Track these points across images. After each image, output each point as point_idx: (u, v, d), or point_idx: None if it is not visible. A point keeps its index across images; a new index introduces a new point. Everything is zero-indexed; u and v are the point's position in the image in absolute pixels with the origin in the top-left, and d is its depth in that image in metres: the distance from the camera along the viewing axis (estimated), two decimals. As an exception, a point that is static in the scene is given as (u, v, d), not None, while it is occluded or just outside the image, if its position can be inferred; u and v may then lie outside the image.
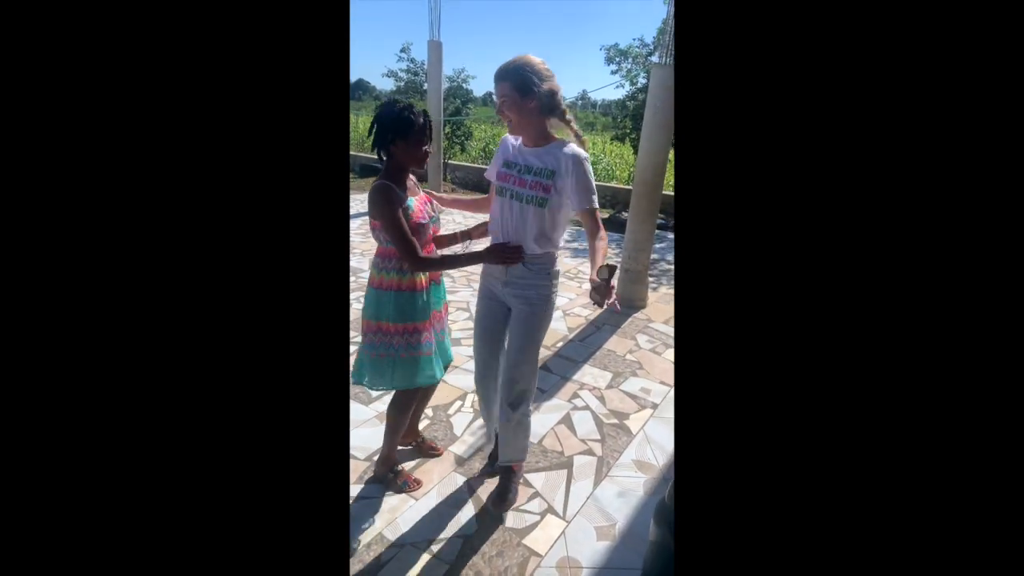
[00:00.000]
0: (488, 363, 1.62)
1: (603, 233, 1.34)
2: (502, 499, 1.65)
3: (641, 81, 6.73)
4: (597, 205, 1.37)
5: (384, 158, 1.41)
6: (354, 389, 2.30)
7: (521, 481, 1.78)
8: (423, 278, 1.47)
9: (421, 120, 1.37)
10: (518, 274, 1.43)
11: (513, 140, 1.46)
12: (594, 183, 1.37)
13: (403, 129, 1.35)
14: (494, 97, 1.35)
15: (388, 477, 1.75)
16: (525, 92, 1.29)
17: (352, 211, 5.86)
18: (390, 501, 1.68)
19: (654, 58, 6.45)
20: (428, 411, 2.19)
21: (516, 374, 1.48)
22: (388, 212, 1.33)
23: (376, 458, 1.81)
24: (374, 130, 1.38)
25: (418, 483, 1.77)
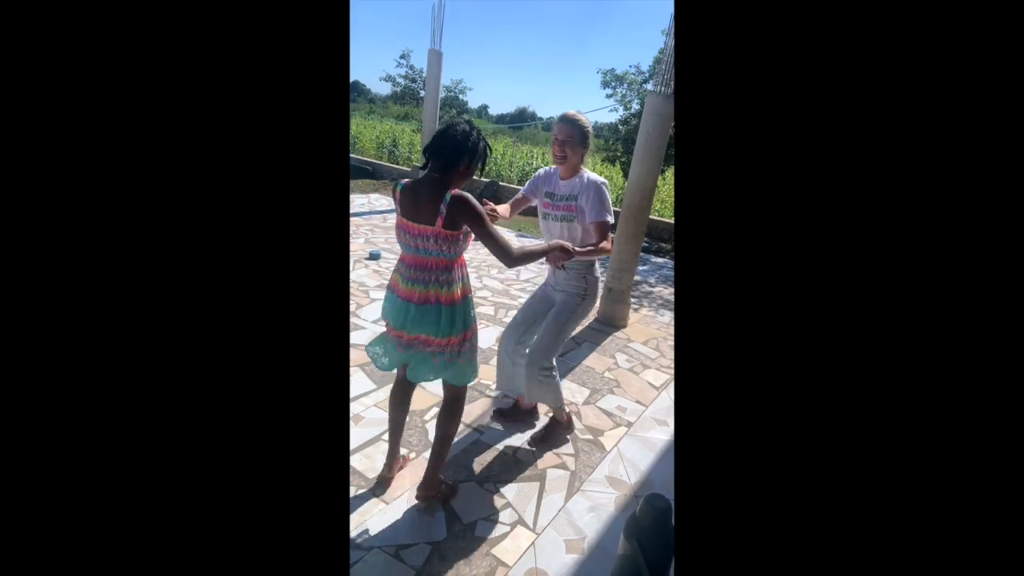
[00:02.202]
0: (521, 335, 2.06)
1: (606, 244, 1.75)
2: (544, 440, 2.10)
3: (635, 107, 6.89)
4: (610, 220, 1.77)
5: (434, 170, 1.40)
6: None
7: (568, 424, 2.16)
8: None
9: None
10: (562, 275, 1.93)
11: (546, 175, 1.94)
12: (610, 205, 1.79)
13: (479, 159, 1.45)
14: (555, 133, 1.81)
15: (443, 493, 1.71)
16: (583, 140, 1.80)
17: (339, 211, 5.82)
18: (359, 504, 1.66)
19: (649, 85, 6.62)
20: (404, 415, 2.17)
21: (541, 343, 1.90)
22: (484, 219, 1.37)
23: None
24: (452, 144, 1.38)
25: (454, 489, 1.77)
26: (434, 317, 1.44)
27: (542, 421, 2.25)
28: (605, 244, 1.75)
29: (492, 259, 4.78)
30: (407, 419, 1.86)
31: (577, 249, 1.64)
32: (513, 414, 2.26)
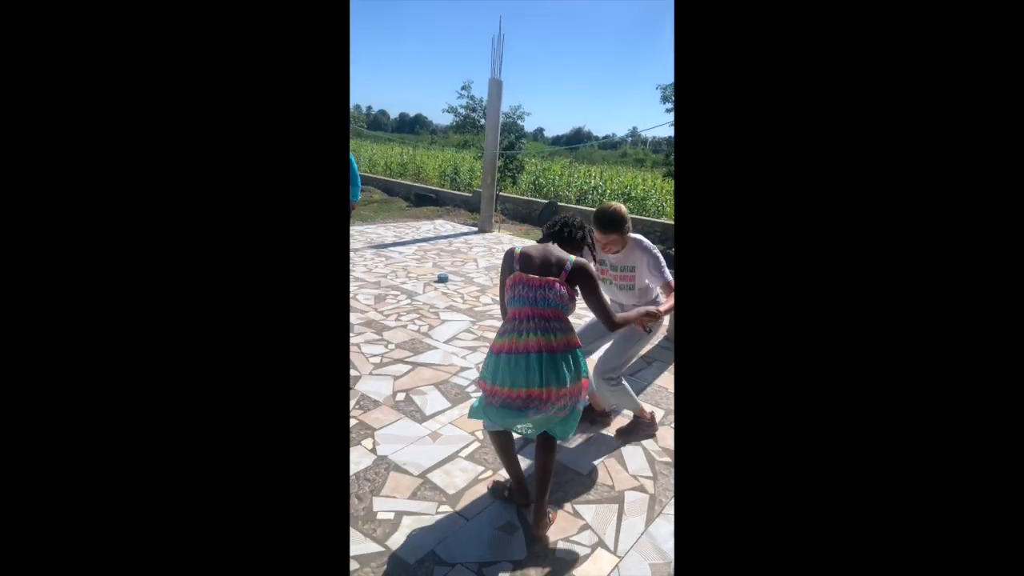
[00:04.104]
0: (587, 347, 2.13)
1: (672, 300, 1.94)
2: (630, 433, 2.27)
3: (696, 120, 6.75)
4: (671, 279, 1.99)
5: (555, 240, 1.66)
6: (408, 407, 2.37)
7: (652, 422, 2.31)
8: None
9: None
10: (631, 303, 2.14)
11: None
12: (663, 263, 2.02)
13: (584, 250, 1.73)
14: (597, 240, 1.97)
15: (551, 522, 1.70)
16: (623, 230, 1.99)
17: (408, 237, 6.10)
18: (442, 520, 1.71)
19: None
20: (479, 433, 2.22)
21: (607, 356, 2.12)
22: (598, 285, 1.61)
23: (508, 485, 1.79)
24: (568, 238, 1.66)
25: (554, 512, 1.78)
26: (562, 363, 1.51)
27: (605, 423, 2.36)
28: (671, 300, 1.98)
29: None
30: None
31: (661, 310, 1.86)
32: (587, 416, 2.32)
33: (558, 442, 1.68)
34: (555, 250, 1.59)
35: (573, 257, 1.55)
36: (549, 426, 1.60)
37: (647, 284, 2.12)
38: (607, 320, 1.60)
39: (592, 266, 1.61)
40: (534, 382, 1.48)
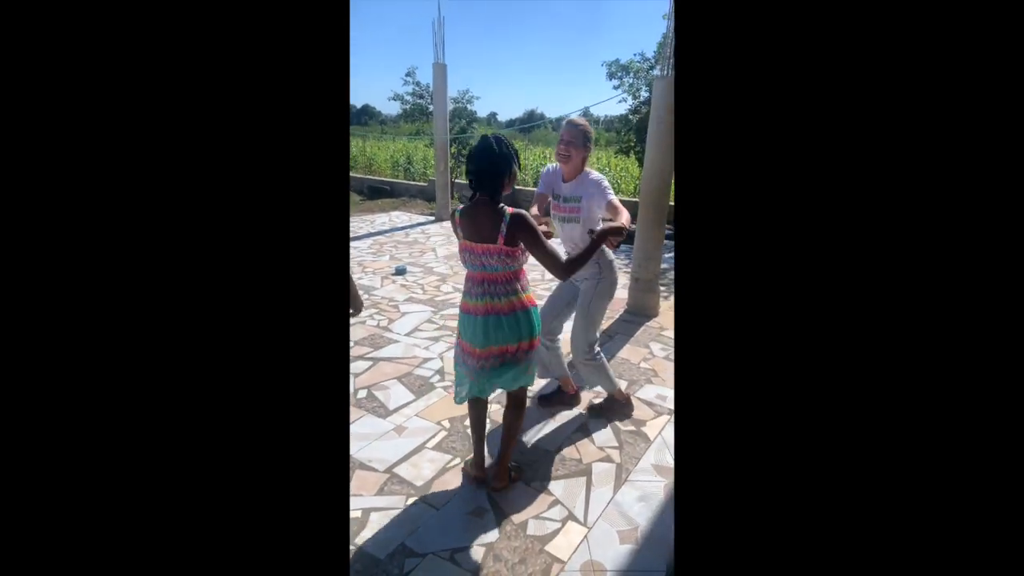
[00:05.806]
0: (551, 324, 2.19)
1: (625, 212, 1.86)
2: (602, 411, 2.27)
3: (643, 95, 6.82)
4: (614, 198, 1.95)
5: (483, 193, 1.52)
6: (371, 404, 2.33)
7: (627, 403, 2.30)
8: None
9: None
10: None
11: (553, 174, 2.09)
12: (608, 187, 1.99)
13: (515, 165, 1.54)
14: (560, 135, 2.02)
15: (512, 480, 1.83)
16: (585, 142, 1.99)
17: (363, 231, 5.95)
18: (410, 512, 1.70)
19: (656, 71, 6.54)
20: (445, 423, 2.20)
21: (579, 332, 2.10)
22: (539, 236, 1.50)
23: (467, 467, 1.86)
24: (489, 168, 1.49)
25: (520, 470, 1.89)
26: (515, 323, 1.57)
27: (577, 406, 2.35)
28: (624, 214, 1.84)
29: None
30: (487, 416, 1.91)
31: (624, 224, 1.69)
32: (557, 398, 2.36)
33: (526, 395, 1.79)
34: (487, 211, 1.50)
35: (508, 212, 1.47)
36: (506, 380, 1.66)
37: (592, 215, 2.02)
38: (557, 268, 1.51)
39: (529, 215, 1.49)
40: (478, 342, 1.60)
